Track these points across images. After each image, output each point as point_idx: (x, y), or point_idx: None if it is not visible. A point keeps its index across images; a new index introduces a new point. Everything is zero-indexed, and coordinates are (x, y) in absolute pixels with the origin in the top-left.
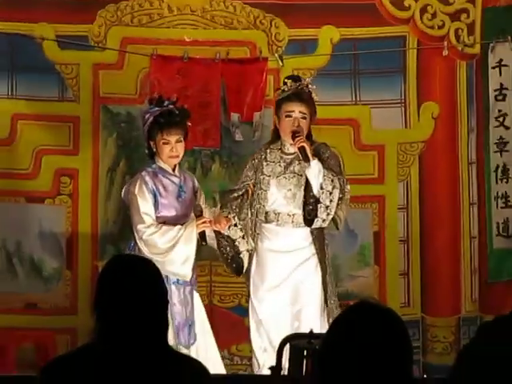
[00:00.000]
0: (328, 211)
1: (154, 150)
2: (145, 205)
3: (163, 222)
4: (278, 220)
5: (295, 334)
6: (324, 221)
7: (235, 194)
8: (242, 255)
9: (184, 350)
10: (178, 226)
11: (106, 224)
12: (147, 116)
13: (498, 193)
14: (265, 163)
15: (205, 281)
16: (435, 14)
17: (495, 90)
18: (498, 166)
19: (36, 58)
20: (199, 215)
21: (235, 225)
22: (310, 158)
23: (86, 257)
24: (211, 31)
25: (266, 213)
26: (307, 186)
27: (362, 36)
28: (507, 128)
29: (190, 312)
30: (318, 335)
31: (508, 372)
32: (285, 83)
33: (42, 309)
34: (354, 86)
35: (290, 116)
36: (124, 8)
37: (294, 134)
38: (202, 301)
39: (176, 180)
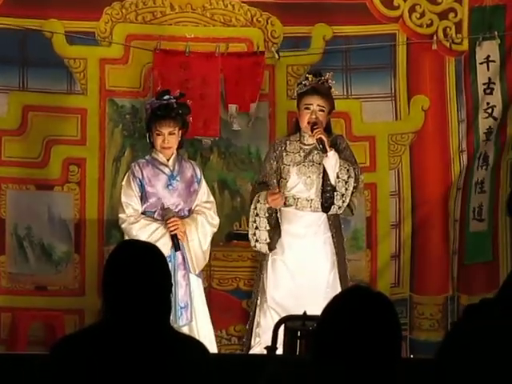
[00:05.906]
0: (343, 199)
1: (152, 139)
2: (128, 196)
3: (154, 209)
4: (297, 204)
5: (290, 315)
6: (340, 208)
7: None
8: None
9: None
10: (156, 224)
11: (112, 210)
12: (147, 107)
13: (478, 179)
14: (284, 154)
15: (205, 265)
16: (424, 13)
17: (483, 84)
18: (481, 154)
19: (46, 52)
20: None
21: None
22: (328, 149)
23: (93, 241)
24: (211, 28)
25: (286, 198)
26: (324, 174)
27: (354, 34)
28: (495, 119)
29: (183, 295)
30: (312, 317)
31: (493, 349)
32: (306, 78)
33: (52, 290)
34: (346, 81)
35: (308, 108)
36: (129, 6)
37: (313, 126)
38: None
39: (166, 170)
